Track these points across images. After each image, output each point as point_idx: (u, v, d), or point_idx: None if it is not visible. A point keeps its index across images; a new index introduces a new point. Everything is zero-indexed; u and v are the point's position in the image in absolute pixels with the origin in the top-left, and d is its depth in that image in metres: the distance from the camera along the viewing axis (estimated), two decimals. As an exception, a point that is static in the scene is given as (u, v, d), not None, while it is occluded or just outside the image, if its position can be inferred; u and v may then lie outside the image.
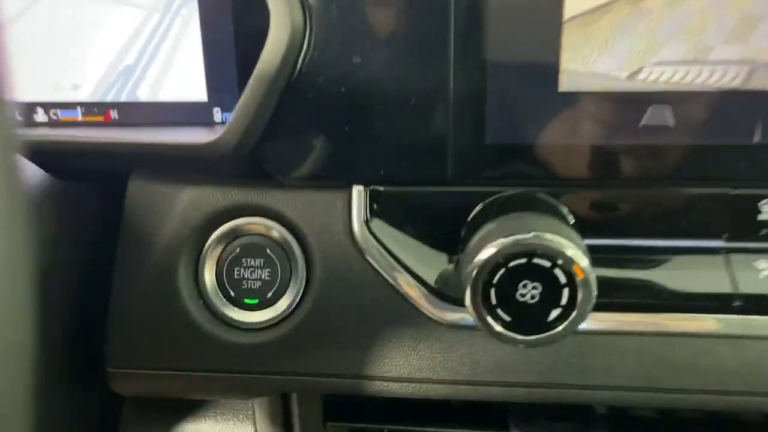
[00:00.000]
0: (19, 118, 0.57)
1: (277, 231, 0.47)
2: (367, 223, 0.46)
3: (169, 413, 0.54)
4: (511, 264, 0.39)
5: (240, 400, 0.53)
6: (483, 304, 0.40)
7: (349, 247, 0.46)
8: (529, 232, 0.39)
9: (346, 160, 0.45)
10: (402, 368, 0.47)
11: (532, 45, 0.42)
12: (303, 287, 0.47)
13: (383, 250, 0.46)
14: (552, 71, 0.42)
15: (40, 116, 0.57)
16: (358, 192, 0.46)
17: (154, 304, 0.47)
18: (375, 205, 0.46)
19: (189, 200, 0.48)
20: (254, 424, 0.53)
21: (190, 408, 0.54)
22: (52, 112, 0.57)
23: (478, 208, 0.46)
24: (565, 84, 0.42)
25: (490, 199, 0.46)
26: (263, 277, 0.48)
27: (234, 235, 0.48)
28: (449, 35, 0.42)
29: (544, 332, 0.40)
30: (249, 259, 0.48)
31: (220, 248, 0.48)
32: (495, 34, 0.42)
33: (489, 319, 0.40)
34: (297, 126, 0.45)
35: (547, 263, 0.39)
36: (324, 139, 0.45)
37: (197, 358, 0.47)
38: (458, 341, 0.46)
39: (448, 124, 0.44)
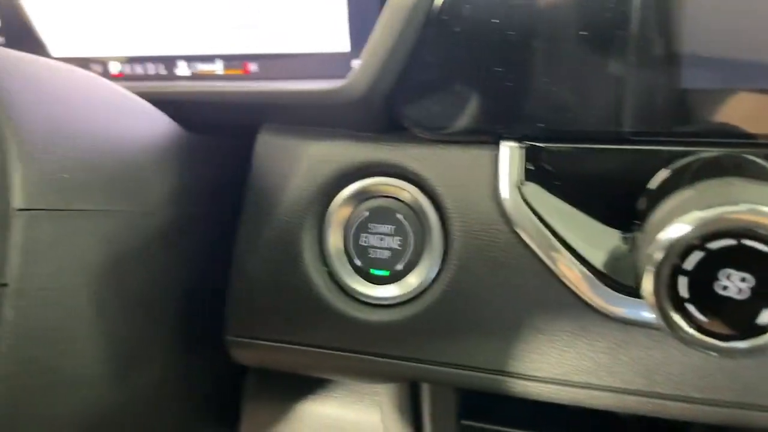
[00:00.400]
0: (162, 72, 0.56)
1: (410, 194, 0.41)
2: (519, 187, 0.38)
3: (292, 389, 0.50)
4: (712, 246, 0.29)
5: (364, 383, 0.48)
6: (668, 297, 0.30)
7: (496, 215, 0.38)
8: (740, 204, 0.28)
9: (496, 109, 0.37)
10: (555, 368, 0.38)
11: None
12: (439, 262, 0.40)
13: (538, 222, 0.37)
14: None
15: (181, 69, 0.56)
16: (509, 149, 0.38)
17: (275, 268, 0.43)
18: (530, 166, 0.38)
19: (316, 156, 0.42)
20: (381, 412, 0.47)
21: (315, 386, 0.50)
22: (192, 65, 0.56)
23: (664, 174, 0.36)
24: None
25: (683, 161, 0.35)
26: (393, 246, 0.41)
27: (363, 196, 0.42)
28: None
29: (753, 338, 0.30)
30: (378, 225, 0.41)
31: (347, 211, 0.42)
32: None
33: (676, 316, 0.30)
34: (438, 68, 0.38)
35: (764, 247, 0.28)
36: (470, 83, 0.37)
37: (317, 332, 0.42)
38: (630, 341, 0.37)
39: (629, 62, 0.34)
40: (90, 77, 0.42)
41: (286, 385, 0.50)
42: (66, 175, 0.36)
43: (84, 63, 0.57)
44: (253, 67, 0.54)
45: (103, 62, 0.58)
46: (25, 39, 0.58)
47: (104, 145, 0.39)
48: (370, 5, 0.49)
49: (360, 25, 0.50)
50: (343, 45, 0.50)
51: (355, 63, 0.49)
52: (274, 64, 0.53)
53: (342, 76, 0.48)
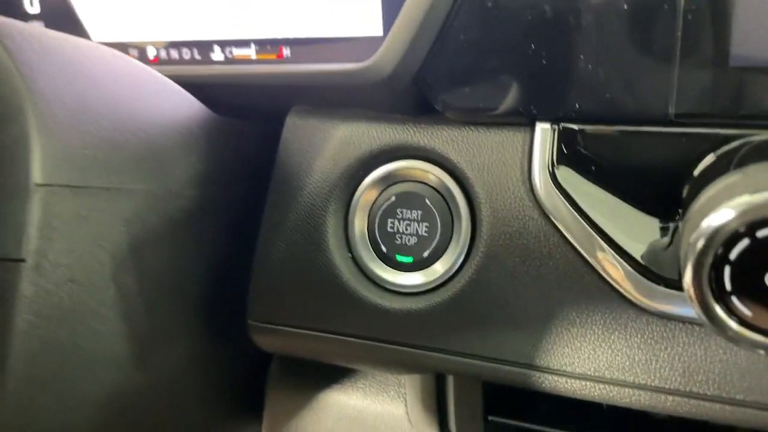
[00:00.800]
0: (197, 56, 0.56)
1: (438, 178, 0.39)
2: (552, 172, 0.36)
3: (316, 378, 0.49)
4: (760, 234, 0.27)
5: (388, 374, 0.46)
6: (711, 290, 0.28)
7: (527, 201, 0.36)
8: (794, 189, 0.26)
9: (530, 89, 0.35)
10: (587, 363, 0.36)
11: None
12: (466, 249, 0.38)
13: (572, 209, 0.35)
14: None
15: (217, 54, 0.55)
16: (543, 131, 0.36)
17: (298, 253, 0.41)
18: (565, 150, 0.36)
19: (343, 138, 0.41)
20: (405, 404, 0.45)
21: (339, 375, 0.48)
22: (227, 50, 0.55)
23: (709, 159, 0.33)
24: None
25: (730, 146, 0.33)
26: (420, 232, 0.40)
27: (390, 180, 0.40)
28: None
29: (807, 338, 0.27)
30: (405, 210, 0.40)
31: (373, 195, 0.41)
32: None
33: (719, 310, 0.28)
34: (470, 46, 0.36)
35: (820, 236, 0.26)
36: (503, 61, 0.35)
37: (339, 319, 0.41)
38: (669, 337, 0.34)
39: (673, 39, 0.32)
40: (116, 55, 0.41)
41: (310, 374, 0.49)
42: (87, 152, 0.36)
43: (122, 48, 0.58)
44: (286, 51, 0.54)
45: (140, 47, 0.58)
46: (65, 24, 0.59)
47: (128, 123, 0.38)
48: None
49: (393, 9, 0.48)
50: (376, 29, 0.49)
51: (388, 46, 0.47)
52: (307, 48, 0.52)
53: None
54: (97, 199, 0.36)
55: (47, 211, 0.33)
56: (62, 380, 0.36)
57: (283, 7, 0.52)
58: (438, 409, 0.44)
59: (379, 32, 0.49)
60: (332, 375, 0.48)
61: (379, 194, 0.41)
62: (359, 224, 0.41)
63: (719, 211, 0.27)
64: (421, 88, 0.38)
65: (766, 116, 0.32)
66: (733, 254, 0.27)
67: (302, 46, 0.52)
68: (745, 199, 0.27)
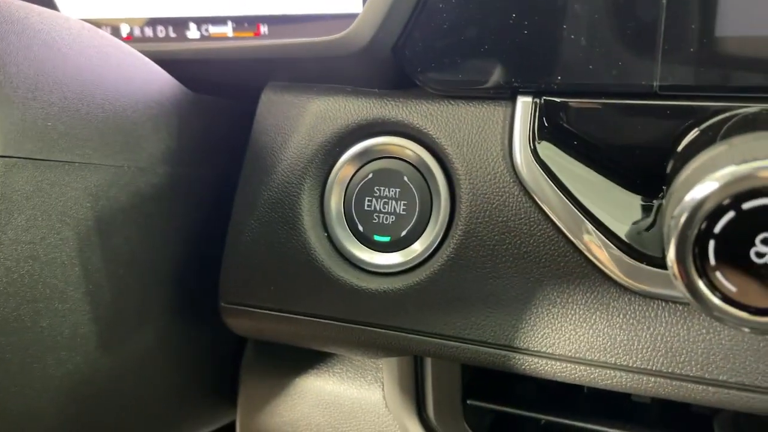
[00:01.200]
0: (172, 34, 0.54)
1: (417, 154, 0.38)
2: (534, 147, 0.35)
3: (291, 363, 0.47)
4: (746, 206, 0.26)
5: (364, 357, 0.45)
6: (695, 265, 0.27)
7: (508, 178, 0.35)
8: (780, 159, 0.25)
9: (511, 60, 0.34)
10: (568, 344, 0.35)
11: None
12: (445, 227, 0.37)
13: (553, 186, 0.34)
14: None
15: (192, 32, 0.54)
16: (524, 105, 0.35)
17: (272, 232, 0.40)
18: (546, 124, 0.35)
19: (319, 112, 0.40)
20: (382, 389, 0.44)
21: (315, 360, 0.47)
22: (203, 27, 0.54)
23: (694, 133, 0.32)
24: None
25: (715, 119, 0.32)
26: (398, 210, 0.38)
27: (367, 157, 0.39)
28: None
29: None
30: (382, 188, 0.39)
31: (349, 172, 0.39)
32: None
33: (702, 286, 0.27)
34: (449, 16, 0.35)
35: (808, 208, 0.25)
36: (483, 32, 0.34)
37: (315, 300, 0.39)
38: (651, 317, 0.33)
39: (658, 8, 0.31)
40: (84, 26, 0.40)
41: (285, 359, 0.48)
42: (50, 123, 0.34)
43: (94, 25, 0.56)
44: (264, 29, 0.52)
45: (113, 25, 0.57)
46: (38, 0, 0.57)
47: (94, 94, 0.37)
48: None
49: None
50: (356, 5, 0.48)
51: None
52: (285, 26, 0.51)
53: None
54: (60, 172, 0.34)
55: (6, 184, 0.32)
56: (24, 361, 0.34)
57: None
58: (416, 394, 0.43)
59: (359, 9, 0.47)
60: (308, 360, 0.47)
61: (356, 171, 0.39)
62: (335, 202, 0.40)
63: (703, 184, 0.26)
64: (399, 60, 0.37)
65: (752, 88, 0.31)
66: (718, 228, 0.26)
67: (280, 23, 0.50)
68: (730, 170, 0.26)
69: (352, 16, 0.47)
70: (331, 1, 0.48)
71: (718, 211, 0.26)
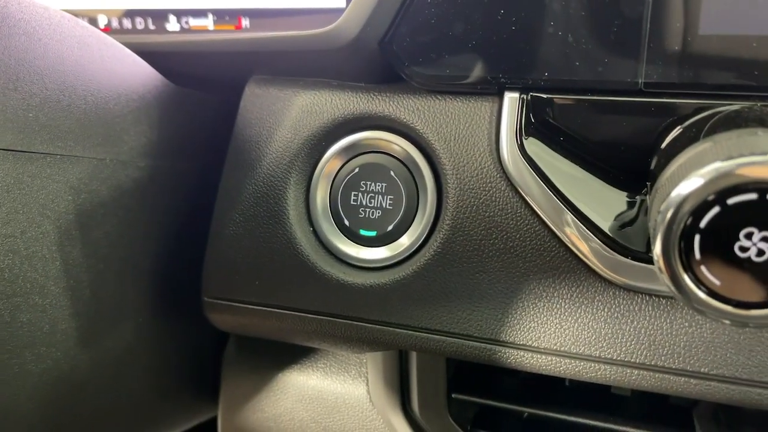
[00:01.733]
0: (151, 26, 0.53)
1: (403, 149, 0.38)
2: (520, 143, 0.35)
3: (274, 358, 0.47)
4: (731, 201, 0.26)
5: (349, 352, 0.45)
6: (680, 259, 0.27)
7: (495, 173, 0.35)
8: (763, 154, 0.26)
9: (498, 56, 0.34)
10: (553, 338, 0.35)
11: None
12: (431, 222, 0.37)
13: (540, 181, 0.35)
14: None
15: (172, 24, 0.53)
16: (511, 101, 0.35)
17: (256, 226, 0.40)
18: (533, 120, 0.35)
19: (304, 106, 0.40)
20: (366, 384, 0.44)
21: (298, 355, 0.47)
22: (183, 20, 0.53)
23: (677, 131, 0.33)
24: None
25: (699, 116, 0.32)
26: (384, 205, 0.38)
27: (353, 151, 0.39)
28: None
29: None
30: (369, 183, 0.39)
31: (335, 166, 0.39)
32: None
33: (687, 280, 0.28)
34: (437, 10, 0.35)
35: (791, 204, 0.26)
36: (471, 27, 0.34)
37: (300, 295, 0.39)
38: (635, 311, 0.34)
39: (644, 6, 0.31)
40: (64, 16, 0.39)
41: (267, 354, 0.48)
42: (31, 115, 0.33)
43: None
44: (245, 22, 0.52)
45: (90, 16, 0.56)
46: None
47: (76, 87, 0.36)
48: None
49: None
50: (338, 0, 0.48)
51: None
52: (267, 20, 0.50)
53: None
54: (40, 165, 0.34)
55: (-16, 175, 0.31)
56: (1, 357, 0.34)
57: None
58: (400, 388, 0.43)
59: (341, 4, 0.47)
60: (291, 355, 0.47)
61: (342, 165, 0.39)
62: (321, 197, 0.40)
63: (689, 179, 0.27)
64: (386, 55, 0.37)
65: (736, 87, 0.31)
66: (703, 222, 0.27)
67: (261, 17, 0.50)
68: (715, 166, 0.26)
69: (334, 11, 0.47)
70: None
71: (704, 207, 0.27)
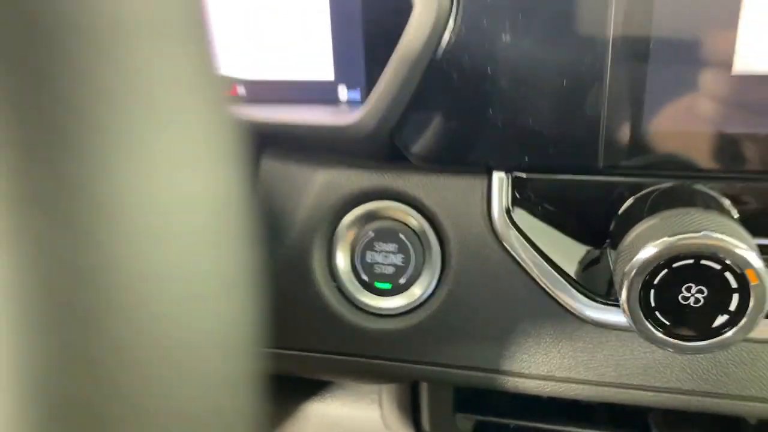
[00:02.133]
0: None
1: (411, 216, 0.46)
2: (507, 211, 0.44)
3: (293, 389, 0.54)
4: (676, 265, 0.36)
5: (368, 384, 0.53)
6: (640, 306, 0.37)
7: (488, 235, 0.44)
8: (699, 232, 0.35)
9: (487, 144, 0.43)
10: (541, 366, 0.44)
11: (703, 21, 0.38)
12: (438, 275, 0.46)
13: (525, 243, 0.43)
14: (726, 52, 0.38)
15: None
16: (499, 179, 0.44)
17: (287, 284, 0.47)
18: (517, 193, 0.44)
19: (324, 182, 0.47)
20: (381, 408, 0.52)
21: (315, 386, 0.54)
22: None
23: (630, 201, 0.42)
24: (740, 65, 0.38)
25: (646, 191, 0.42)
26: (396, 262, 0.47)
27: (368, 218, 0.47)
28: (609, 12, 0.39)
29: (709, 339, 0.37)
30: (382, 244, 0.47)
31: (353, 231, 0.47)
32: (661, 9, 0.38)
33: (647, 323, 0.37)
34: (437, 107, 0.43)
35: (716, 266, 0.36)
36: (465, 121, 0.43)
37: (328, 340, 0.47)
38: (604, 341, 0.44)
39: (601, 108, 0.41)
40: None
41: (286, 386, 0.54)
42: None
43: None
44: (240, 90, 0.58)
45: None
46: None
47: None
48: (352, 38, 0.53)
49: (343, 56, 0.54)
50: (328, 74, 0.54)
51: (341, 89, 0.54)
52: (262, 88, 0.56)
53: (328, 102, 0.52)
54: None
55: None
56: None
57: (237, 45, 0.56)
58: (412, 412, 0.52)
59: (331, 77, 0.54)
60: (310, 385, 0.54)
61: (359, 230, 0.47)
62: (342, 257, 0.47)
63: (646, 248, 0.36)
64: (394, 141, 0.45)
65: (671, 168, 0.41)
66: (657, 279, 0.36)
67: (256, 85, 0.56)
68: (664, 240, 0.36)
69: (323, 83, 0.54)
70: (304, 69, 0.54)
71: (657, 269, 0.36)
